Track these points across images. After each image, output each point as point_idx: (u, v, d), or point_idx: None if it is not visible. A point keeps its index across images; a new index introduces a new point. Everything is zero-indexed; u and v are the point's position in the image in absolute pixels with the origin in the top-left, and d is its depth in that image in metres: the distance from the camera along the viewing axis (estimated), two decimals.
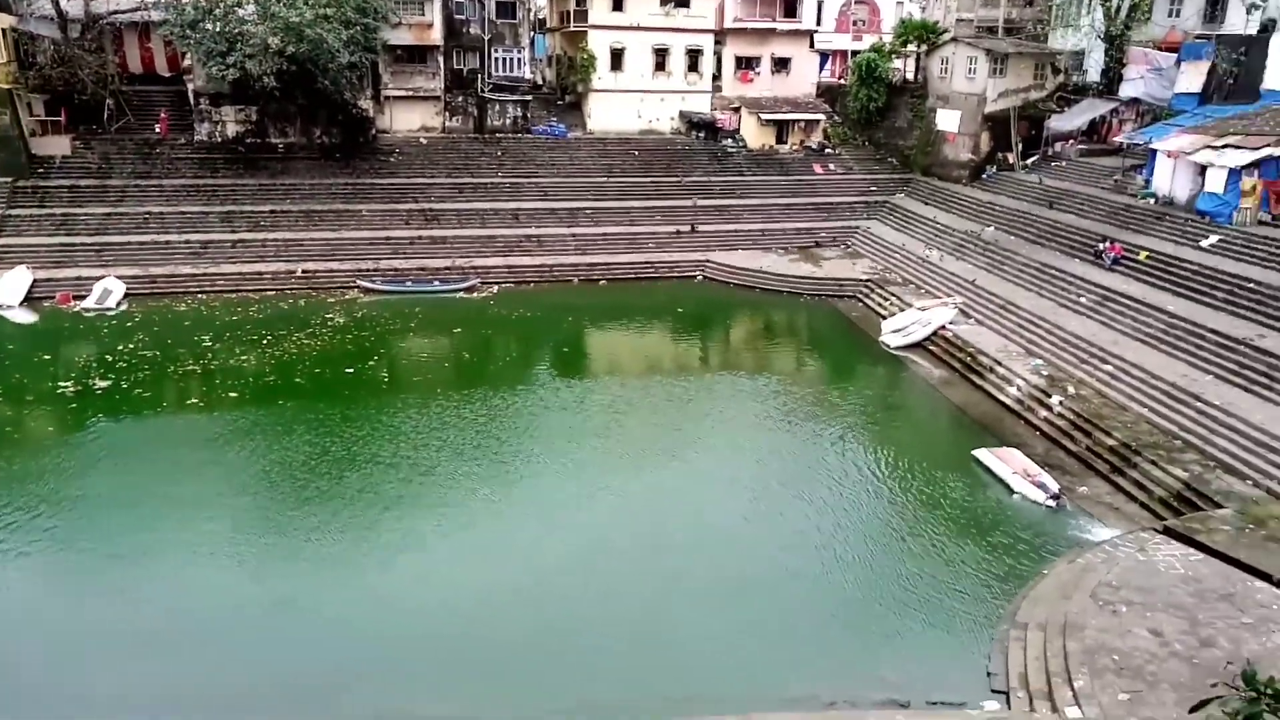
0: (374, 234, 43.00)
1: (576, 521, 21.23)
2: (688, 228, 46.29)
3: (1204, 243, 32.55)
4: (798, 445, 26.17)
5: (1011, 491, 22.30)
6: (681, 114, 53.57)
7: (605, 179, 48.77)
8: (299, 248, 41.52)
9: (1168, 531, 19.57)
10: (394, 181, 46.01)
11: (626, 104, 52.79)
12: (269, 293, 39.05)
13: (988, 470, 23.43)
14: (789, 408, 28.87)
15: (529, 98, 51.86)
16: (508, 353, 35.09)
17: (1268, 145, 32.72)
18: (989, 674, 15.63)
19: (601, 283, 42.90)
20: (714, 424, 27.98)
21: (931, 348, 32.92)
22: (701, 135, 52.93)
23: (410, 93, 49.65)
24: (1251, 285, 28.80)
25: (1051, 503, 21.67)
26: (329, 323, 35.60)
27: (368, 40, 44.17)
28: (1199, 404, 24.32)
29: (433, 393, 29.18)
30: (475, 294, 40.31)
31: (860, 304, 39.54)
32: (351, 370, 30.86)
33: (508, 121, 50.84)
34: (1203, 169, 34.54)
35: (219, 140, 45.41)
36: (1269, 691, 3.11)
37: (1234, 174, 32.97)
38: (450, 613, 17.41)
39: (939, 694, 14.94)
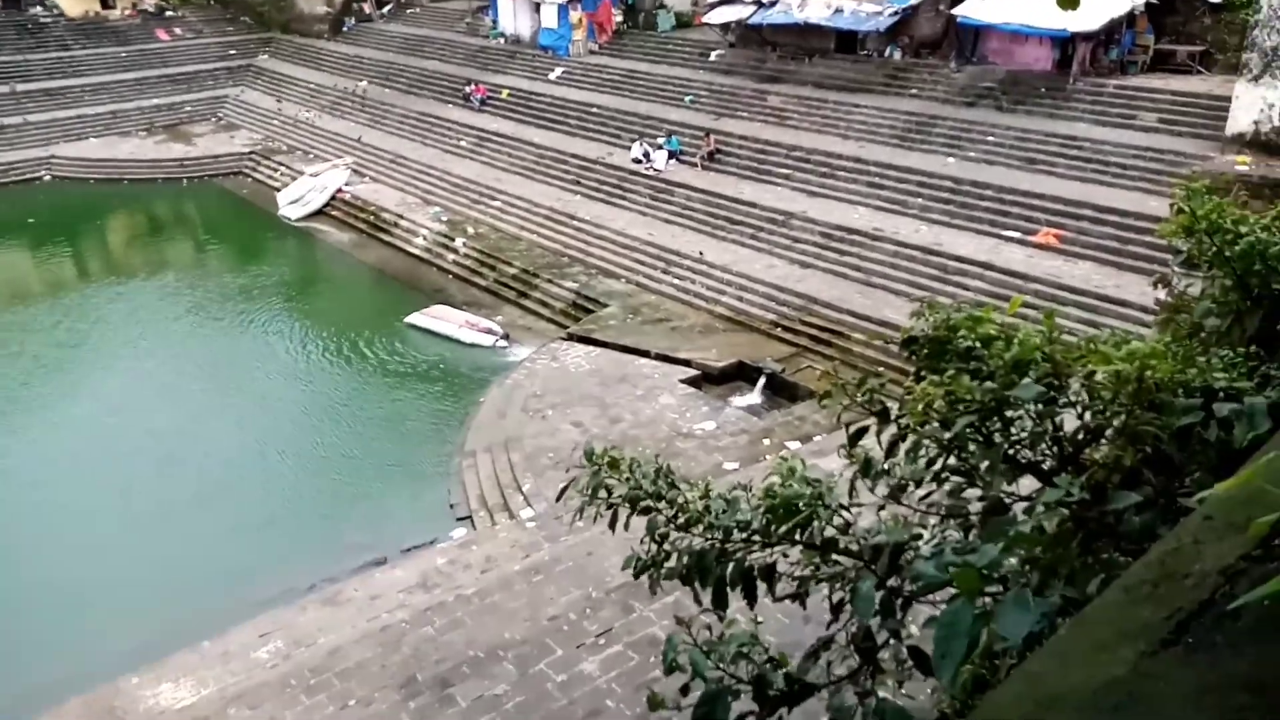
0: None
1: None
2: (19, 119, 38.60)
3: (551, 76, 36.16)
4: (231, 339, 24.57)
5: (464, 344, 22.93)
6: None
7: None
8: None
9: (571, 337, 22.44)
10: None
11: None
12: None
13: (428, 331, 23.64)
14: (207, 301, 26.77)
15: None
16: None
17: None
18: (451, 505, 16.88)
19: None
20: (131, 335, 24.89)
21: (334, 213, 32.45)
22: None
23: None
24: (595, 110, 32.94)
25: (504, 343, 22.91)
26: None
27: None
28: (575, 222, 27.71)
29: None
30: None
31: (249, 179, 37.13)
32: None
33: None
34: (538, 6, 37.81)
35: None
36: (605, 461, 3.67)
37: (563, 9, 36.68)
38: None
39: (411, 539, 15.78)
